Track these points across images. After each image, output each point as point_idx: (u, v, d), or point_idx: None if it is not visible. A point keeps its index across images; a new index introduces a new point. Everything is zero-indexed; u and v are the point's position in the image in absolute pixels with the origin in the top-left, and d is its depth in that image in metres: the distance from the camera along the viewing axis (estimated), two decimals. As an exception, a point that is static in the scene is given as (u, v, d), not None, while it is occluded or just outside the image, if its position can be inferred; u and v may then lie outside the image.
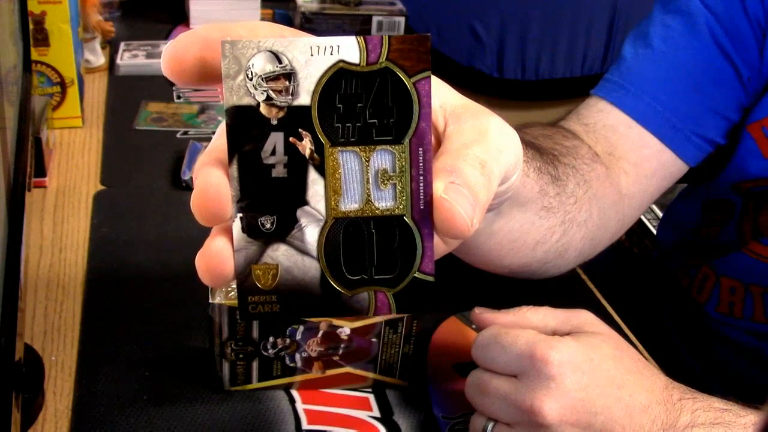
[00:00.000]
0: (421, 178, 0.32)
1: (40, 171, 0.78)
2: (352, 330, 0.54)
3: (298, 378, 0.56)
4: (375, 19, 1.25)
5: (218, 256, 0.32)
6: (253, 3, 1.26)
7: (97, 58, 1.07)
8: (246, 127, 0.31)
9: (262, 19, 1.28)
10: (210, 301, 0.51)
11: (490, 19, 1.60)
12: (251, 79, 0.31)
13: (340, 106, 0.32)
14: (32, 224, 0.73)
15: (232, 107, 0.31)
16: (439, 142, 0.35)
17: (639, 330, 0.68)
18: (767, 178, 0.70)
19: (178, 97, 1.01)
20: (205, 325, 0.53)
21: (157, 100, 0.99)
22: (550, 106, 1.63)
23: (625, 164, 0.67)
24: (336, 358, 0.55)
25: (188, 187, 0.79)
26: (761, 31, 0.66)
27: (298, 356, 0.55)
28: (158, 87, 1.03)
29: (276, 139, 0.31)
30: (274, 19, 1.32)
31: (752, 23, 0.66)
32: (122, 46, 1.11)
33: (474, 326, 0.66)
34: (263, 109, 0.31)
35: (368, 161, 0.32)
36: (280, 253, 0.32)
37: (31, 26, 0.81)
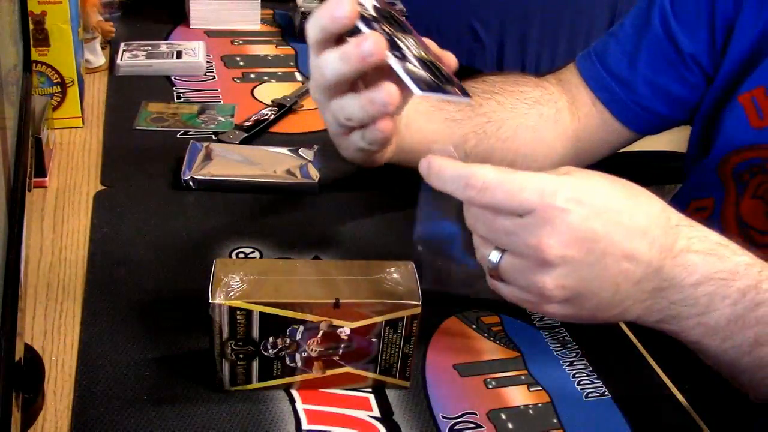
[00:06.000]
0: (423, 45, 0.63)
1: (40, 171, 0.78)
2: (352, 330, 0.54)
3: (298, 378, 0.56)
4: (375, 19, 1.26)
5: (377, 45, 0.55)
6: (253, 3, 1.26)
7: (97, 58, 1.07)
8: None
9: (262, 19, 1.28)
10: (210, 301, 0.51)
11: (490, 19, 1.60)
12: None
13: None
14: (32, 224, 0.73)
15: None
16: None
17: (638, 329, 0.68)
18: (753, 146, 0.72)
19: (178, 97, 1.01)
20: (205, 325, 0.53)
21: (157, 100, 0.99)
22: (550, 106, 1.63)
23: (580, 114, 0.83)
24: (336, 358, 0.55)
25: (188, 187, 0.79)
26: (713, 10, 0.75)
27: (298, 356, 0.55)
28: (158, 87, 1.03)
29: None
30: (274, 19, 1.32)
31: (702, 4, 0.75)
32: (122, 46, 1.11)
33: (474, 326, 0.66)
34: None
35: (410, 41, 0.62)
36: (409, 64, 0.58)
37: (31, 26, 0.81)
